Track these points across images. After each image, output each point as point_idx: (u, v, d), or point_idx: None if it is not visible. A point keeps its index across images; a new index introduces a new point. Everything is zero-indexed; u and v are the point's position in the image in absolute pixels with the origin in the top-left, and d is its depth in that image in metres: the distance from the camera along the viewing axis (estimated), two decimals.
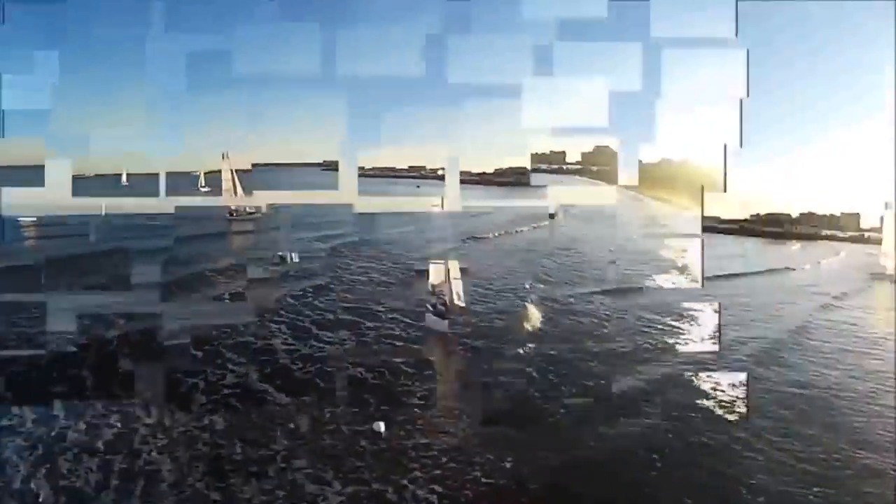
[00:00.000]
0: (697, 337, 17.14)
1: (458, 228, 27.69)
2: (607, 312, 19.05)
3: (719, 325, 14.60)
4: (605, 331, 17.84)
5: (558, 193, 14.98)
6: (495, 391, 15.08)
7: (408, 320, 19.07)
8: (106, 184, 18.97)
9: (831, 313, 23.35)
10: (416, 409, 14.43)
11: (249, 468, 12.10)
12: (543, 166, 9.26)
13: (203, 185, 24.75)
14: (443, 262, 16.39)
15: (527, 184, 12.25)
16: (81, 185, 14.68)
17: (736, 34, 8.98)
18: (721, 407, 13.96)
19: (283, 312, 19.72)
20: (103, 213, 18.08)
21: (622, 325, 18.33)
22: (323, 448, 12.85)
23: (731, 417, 13.39)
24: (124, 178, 19.38)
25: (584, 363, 16.39)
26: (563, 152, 9.13)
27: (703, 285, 13.13)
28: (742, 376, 13.37)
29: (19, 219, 23.01)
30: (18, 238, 23.82)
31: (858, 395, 15.86)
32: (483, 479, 11.93)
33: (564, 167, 8.83)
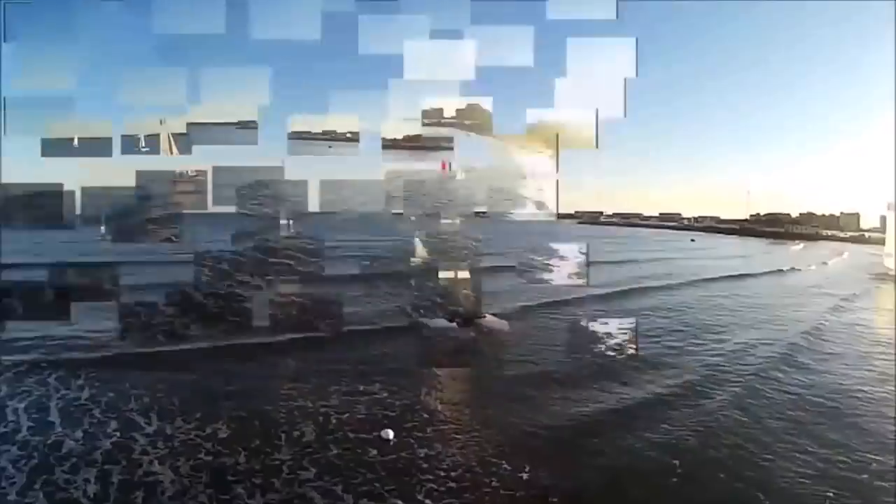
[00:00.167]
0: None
1: None
2: None
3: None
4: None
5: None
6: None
7: None
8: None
9: (843, 315, 23.02)
10: None
11: None
12: (426, 121, 10.11)
13: (143, 145, 24.73)
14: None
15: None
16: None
17: (616, 16, 9.53)
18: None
19: None
20: None
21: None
22: None
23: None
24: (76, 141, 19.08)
25: None
26: (441, 109, 10.40)
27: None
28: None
29: None
30: None
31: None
32: None
33: (441, 121, 9.96)
